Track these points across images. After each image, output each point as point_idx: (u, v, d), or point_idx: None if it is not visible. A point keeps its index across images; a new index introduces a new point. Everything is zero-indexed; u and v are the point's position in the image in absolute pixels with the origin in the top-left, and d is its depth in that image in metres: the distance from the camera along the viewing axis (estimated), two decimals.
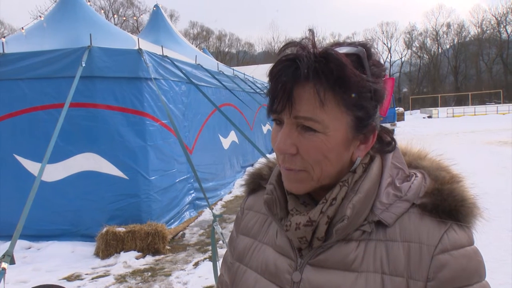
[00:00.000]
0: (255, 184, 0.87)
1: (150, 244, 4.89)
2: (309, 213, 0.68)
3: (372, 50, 0.67)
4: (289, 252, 0.72)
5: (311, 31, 0.66)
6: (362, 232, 0.67)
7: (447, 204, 0.66)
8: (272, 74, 0.65)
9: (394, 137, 0.74)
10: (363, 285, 0.65)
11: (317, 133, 0.64)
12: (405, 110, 33.75)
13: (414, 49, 59.91)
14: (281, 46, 0.66)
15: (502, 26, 54.24)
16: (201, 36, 56.56)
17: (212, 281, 4.03)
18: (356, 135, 0.67)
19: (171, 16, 49.21)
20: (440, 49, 58.77)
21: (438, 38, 58.35)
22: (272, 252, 0.75)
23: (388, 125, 18.94)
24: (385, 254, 0.65)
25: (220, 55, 51.77)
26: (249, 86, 10.75)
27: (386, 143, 0.72)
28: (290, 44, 0.66)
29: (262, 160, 0.93)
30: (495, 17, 54.92)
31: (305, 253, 0.70)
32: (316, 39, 0.65)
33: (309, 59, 0.62)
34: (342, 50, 0.64)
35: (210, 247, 4.90)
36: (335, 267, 0.67)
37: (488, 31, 55.85)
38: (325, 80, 0.62)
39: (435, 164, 0.74)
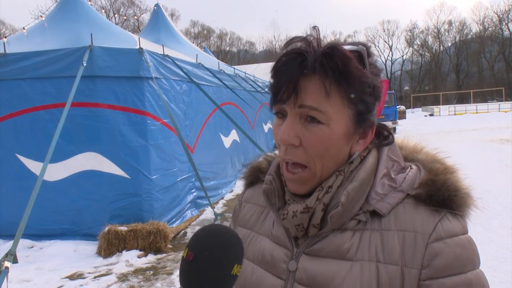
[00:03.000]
0: (254, 177, 0.89)
1: (152, 243, 4.90)
2: (306, 201, 0.69)
3: (371, 50, 0.70)
4: (285, 242, 0.74)
5: (315, 28, 0.68)
6: (357, 222, 0.68)
7: (440, 194, 0.67)
8: (277, 66, 0.67)
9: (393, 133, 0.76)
10: (358, 274, 0.66)
11: (320, 125, 0.66)
12: (406, 108, 33.73)
13: (415, 47, 59.77)
14: (287, 40, 0.69)
15: (504, 23, 54.06)
16: (202, 35, 56.54)
17: None
18: (356, 129, 0.69)
19: (172, 15, 49.21)
20: (441, 47, 58.62)
21: (440, 36, 58.18)
22: (268, 242, 0.77)
23: (389, 123, 18.99)
24: (380, 243, 0.66)
25: (221, 54, 51.75)
26: (250, 84, 10.76)
27: (384, 137, 0.74)
28: (295, 38, 0.68)
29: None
30: (497, 14, 54.72)
31: (301, 243, 0.72)
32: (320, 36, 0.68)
33: (316, 53, 0.64)
34: (345, 47, 0.67)
35: None
36: (330, 256, 0.68)
37: (490, 29, 55.64)
38: (331, 73, 0.64)
39: (430, 157, 0.75)
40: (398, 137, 0.82)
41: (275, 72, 0.67)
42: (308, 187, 0.70)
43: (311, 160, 0.67)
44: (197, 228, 5.99)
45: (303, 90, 0.65)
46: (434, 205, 0.66)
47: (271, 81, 0.68)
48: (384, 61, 58.20)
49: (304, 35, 0.68)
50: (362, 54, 0.67)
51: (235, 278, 0.57)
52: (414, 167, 0.73)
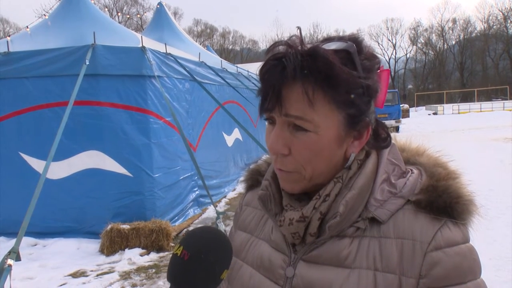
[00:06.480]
0: (254, 180, 0.88)
1: (154, 241, 4.91)
2: (303, 209, 0.68)
3: (363, 44, 0.66)
4: (284, 248, 0.72)
5: (298, 28, 0.66)
6: (356, 229, 0.67)
7: (442, 201, 0.65)
8: (261, 73, 0.65)
9: (396, 133, 0.74)
10: (355, 282, 0.64)
11: (308, 133, 0.64)
12: (410, 106, 33.57)
13: (419, 45, 59.40)
14: (270, 45, 0.66)
15: (509, 21, 53.57)
16: (205, 34, 56.49)
17: None
18: (349, 132, 0.66)
19: (175, 13, 49.22)
20: (445, 45, 58.24)
21: (444, 34, 57.82)
22: (267, 247, 0.75)
23: (393, 122, 18.86)
24: (378, 250, 0.65)
25: (224, 53, 51.67)
26: (253, 83, 10.73)
27: (382, 139, 0.72)
28: (278, 43, 0.65)
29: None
30: (501, 12, 54.27)
31: (299, 249, 0.70)
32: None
33: (296, 58, 0.61)
34: (331, 46, 0.63)
35: None
36: (328, 263, 0.67)
37: (494, 27, 55.18)
38: (313, 79, 0.61)
39: (432, 160, 0.73)
40: (401, 138, 0.80)
41: (261, 79, 0.65)
42: (300, 186, 0.68)
43: (300, 168, 0.66)
44: (199, 226, 6.02)
45: (286, 100, 0.62)
46: (435, 213, 0.64)
47: (260, 86, 0.67)
48: (387, 60, 57.92)
49: (290, 35, 0.65)
50: (350, 52, 0.63)
51: (220, 282, 0.61)
52: (415, 171, 0.70)
